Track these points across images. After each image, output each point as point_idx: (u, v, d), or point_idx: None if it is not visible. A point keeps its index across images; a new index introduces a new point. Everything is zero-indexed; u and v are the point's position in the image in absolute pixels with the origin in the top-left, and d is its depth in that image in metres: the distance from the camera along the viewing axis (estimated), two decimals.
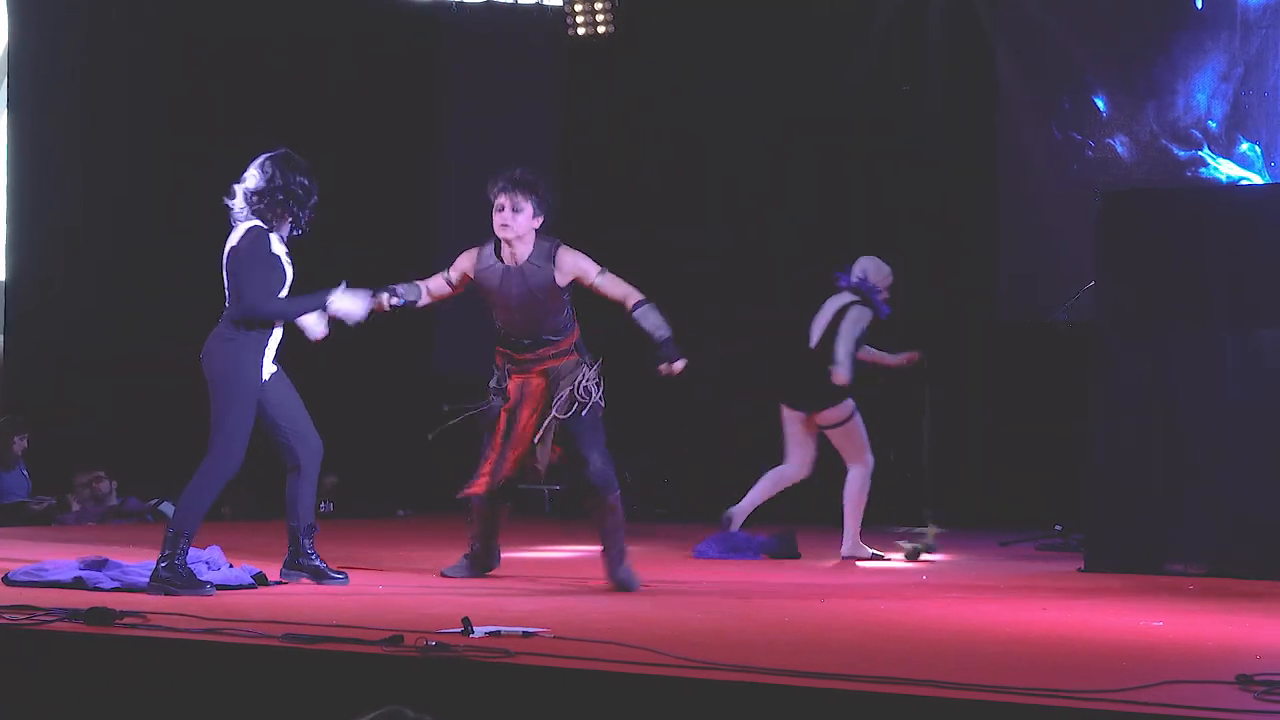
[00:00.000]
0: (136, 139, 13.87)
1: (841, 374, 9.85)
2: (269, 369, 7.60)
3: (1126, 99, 13.11)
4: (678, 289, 14.39)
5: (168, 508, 11.89)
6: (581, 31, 14.39)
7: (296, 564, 7.83)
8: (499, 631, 5.92)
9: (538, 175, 7.91)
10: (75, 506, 12.48)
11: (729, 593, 7.95)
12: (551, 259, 7.79)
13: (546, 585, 8.00)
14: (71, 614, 6.18)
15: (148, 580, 7.34)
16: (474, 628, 5.86)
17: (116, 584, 7.36)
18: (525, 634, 5.93)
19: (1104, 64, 13.22)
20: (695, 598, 7.69)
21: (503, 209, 7.80)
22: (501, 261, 7.87)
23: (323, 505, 12.84)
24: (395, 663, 5.44)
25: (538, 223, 7.83)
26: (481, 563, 8.27)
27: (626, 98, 14.55)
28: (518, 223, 7.78)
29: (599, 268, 7.88)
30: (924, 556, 10.13)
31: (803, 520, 11.21)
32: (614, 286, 7.89)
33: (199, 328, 7.73)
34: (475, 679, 5.28)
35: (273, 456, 7.80)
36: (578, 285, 7.89)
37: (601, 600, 7.40)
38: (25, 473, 12.70)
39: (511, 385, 7.87)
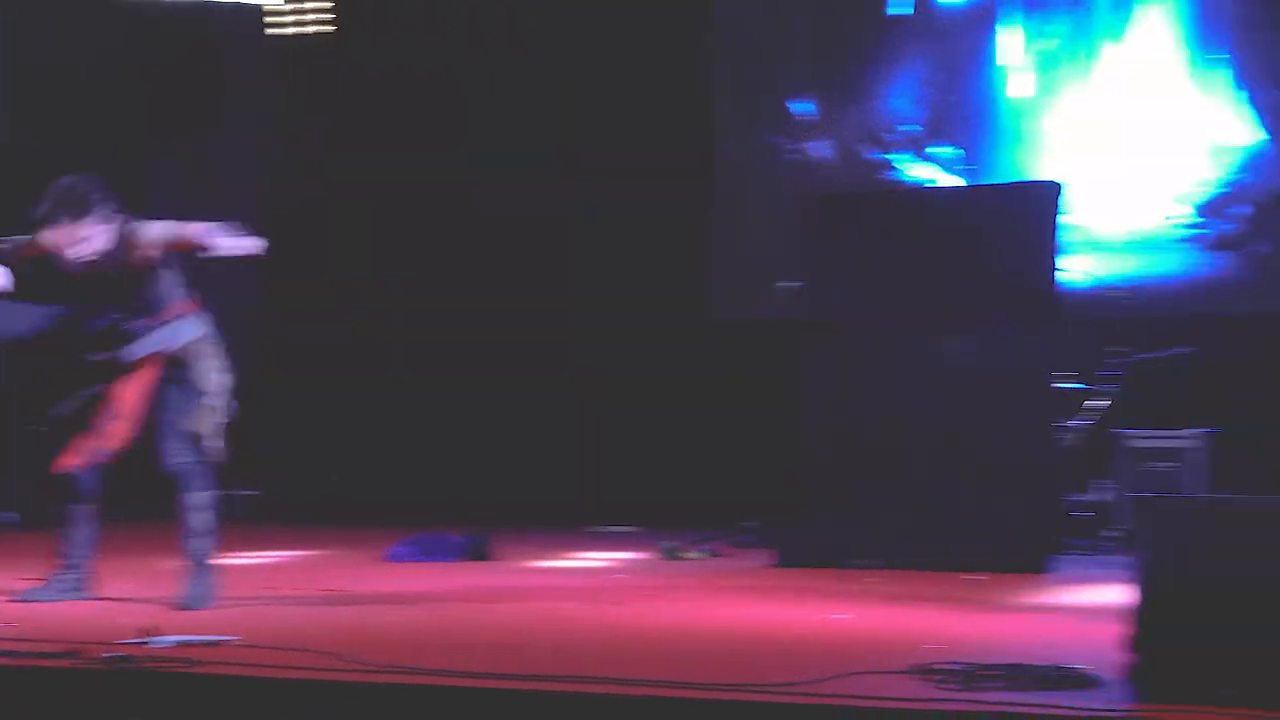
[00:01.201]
0: None
1: None
2: None
3: (830, 103, 13.31)
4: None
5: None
6: (289, 31, 14.17)
7: None
8: (187, 641, 5.82)
9: (80, 182, 7.17)
10: None
11: (427, 596, 7.92)
12: (125, 242, 7.17)
13: (252, 591, 7.83)
14: None
15: None
16: (159, 637, 5.75)
17: None
18: (213, 643, 5.84)
19: (807, 68, 13.41)
20: (394, 602, 7.64)
21: (63, 243, 7.10)
22: None
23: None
24: (77, 677, 5.30)
25: (111, 228, 7.15)
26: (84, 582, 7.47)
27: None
28: (93, 245, 7.16)
29: (163, 225, 7.14)
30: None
31: (496, 523, 11.22)
32: (164, 231, 7.12)
33: None
34: (160, 690, 5.18)
35: None
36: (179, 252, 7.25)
37: (303, 607, 7.32)
38: None
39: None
